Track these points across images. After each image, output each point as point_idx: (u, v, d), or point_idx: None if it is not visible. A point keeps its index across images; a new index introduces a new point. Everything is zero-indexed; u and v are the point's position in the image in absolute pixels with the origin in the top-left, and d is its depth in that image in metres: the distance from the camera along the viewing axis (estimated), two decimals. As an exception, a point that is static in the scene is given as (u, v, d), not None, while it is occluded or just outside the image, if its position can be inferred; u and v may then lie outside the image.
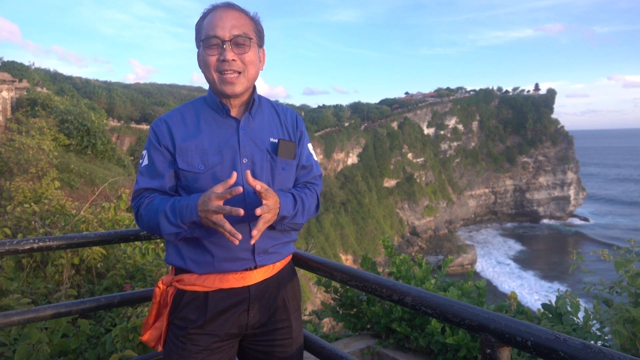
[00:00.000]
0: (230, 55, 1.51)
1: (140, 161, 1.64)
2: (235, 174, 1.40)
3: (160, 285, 1.65)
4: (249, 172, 1.43)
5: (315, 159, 1.81)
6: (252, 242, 1.44)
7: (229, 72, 1.53)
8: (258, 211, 1.41)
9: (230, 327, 1.57)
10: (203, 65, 1.57)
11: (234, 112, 1.61)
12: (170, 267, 1.68)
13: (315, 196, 1.74)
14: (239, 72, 1.54)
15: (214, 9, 1.55)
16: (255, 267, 1.60)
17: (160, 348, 1.64)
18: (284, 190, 1.64)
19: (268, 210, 1.45)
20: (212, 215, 1.39)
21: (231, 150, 1.56)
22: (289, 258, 1.76)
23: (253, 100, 1.63)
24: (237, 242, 1.41)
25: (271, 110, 1.72)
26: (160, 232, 1.52)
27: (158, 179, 1.58)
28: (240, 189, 1.37)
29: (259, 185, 1.42)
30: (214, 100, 1.61)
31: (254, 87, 1.67)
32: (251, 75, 1.58)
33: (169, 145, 1.57)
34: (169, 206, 1.49)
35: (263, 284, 1.62)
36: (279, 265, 1.68)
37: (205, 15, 1.56)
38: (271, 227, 1.57)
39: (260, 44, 1.62)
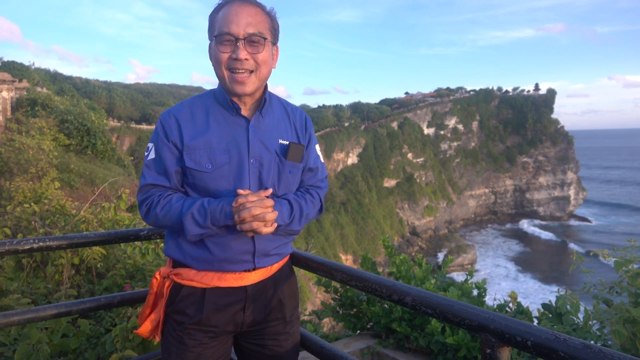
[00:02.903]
0: (243, 54, 1.46)
1: (146, 153, 1.60)
2: (270, 190, 1.51)
3: (158, 276, 1.65)
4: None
5: (322, 160, 1.79)
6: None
7: (240, 70, 1.48)
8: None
9: (226, 325, 1.59)
10: (214, 61, 1.52)
11: (244, 111, 1.58)
12: (168, 259, 1.69)
13: (318, 200, 1.73)
14: (251, 71, 1.50)
15: (229, 1, 1.48)
16: (254, 269, 1.60)
17: (157, 338, 1.66)
18: (289, 192, 1.64)
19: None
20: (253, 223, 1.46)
21: (239, 150, 1.54)
22: (286, 258, 1.76)
23: (264, 100, 1.60)
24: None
25: (281, 110, 1.68)
26: (175, 230, 1.56)
27: (166, 176, 1.56)
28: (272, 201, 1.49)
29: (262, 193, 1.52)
30: (225, 98, 1.56)
31: (266, 86, 1.62)
32: (263, 74, 1.54)
33: (177, 142, 1.54)
34: (196, 209, 1.48)
35: (260, 284, 1.62)
36: (276, 266, 1.68)
37: (220, 8, 1.50)
38: None
39: (275, 41, 1.57)
